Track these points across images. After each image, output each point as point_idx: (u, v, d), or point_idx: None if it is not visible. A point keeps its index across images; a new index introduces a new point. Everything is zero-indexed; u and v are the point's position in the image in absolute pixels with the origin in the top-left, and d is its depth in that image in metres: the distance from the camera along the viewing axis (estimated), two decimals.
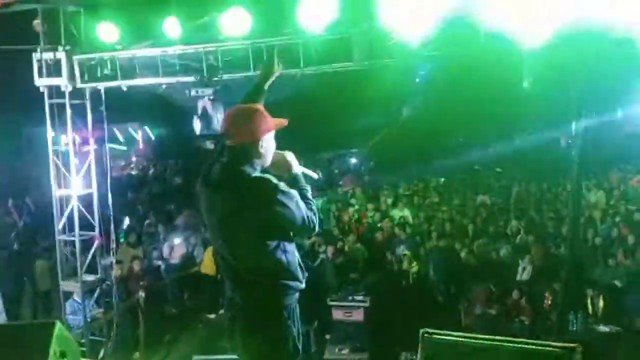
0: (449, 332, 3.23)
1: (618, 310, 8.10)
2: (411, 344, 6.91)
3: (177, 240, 10.14)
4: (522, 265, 9.53)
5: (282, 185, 2.53)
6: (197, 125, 5.75)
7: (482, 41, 4.83)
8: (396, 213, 12.47)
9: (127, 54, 6.06)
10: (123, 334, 7.89)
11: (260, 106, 2.76)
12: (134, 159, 22.04)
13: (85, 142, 6.52)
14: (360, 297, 8.07)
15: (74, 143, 6.41)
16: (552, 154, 14.20)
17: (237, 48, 5.70)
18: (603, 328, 7.84)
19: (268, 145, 2.62)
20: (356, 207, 12.81)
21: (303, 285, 2.85)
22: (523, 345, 3.01)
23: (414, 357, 7.28)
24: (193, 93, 5.69)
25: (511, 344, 3.06)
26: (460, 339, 3.16)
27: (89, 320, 6.57)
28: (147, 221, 11.30)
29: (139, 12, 5.67)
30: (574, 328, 8.00)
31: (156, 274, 9.07)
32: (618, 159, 14.39)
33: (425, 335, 3.16)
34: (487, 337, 3.13)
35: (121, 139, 21.00)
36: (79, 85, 6.24)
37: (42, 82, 6.12)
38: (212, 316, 9.66)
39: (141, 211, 12.67)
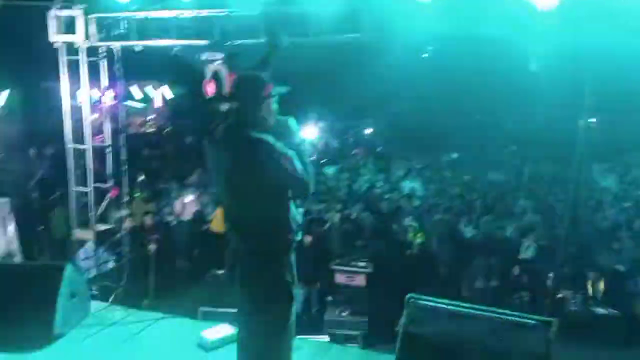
0: (433, 298, 3.40)
1: (618, 294, 8.19)
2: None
3: (189, 198, 10.38)
4: (525, 243, 9.62)
5: (279, 146, 2.73)
6: (207, 89, 5.89)
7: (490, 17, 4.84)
8: (406, 185, 12.57)
9: (142, 15, 6.17)
10: (133, 282, 8.27)
11: (263, 74, 2.95)
12: (151, 117, 22.39)
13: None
14: (363, 263, 8.27)
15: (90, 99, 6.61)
16: (568, 136, 14.03)
17: (249, 15, 5.77)
18: (601, 310, 7.96)
19: (268, 109, 2.84)
20: (366, 176, 12.92)
21: (298, 238, 3.04)
22: (501, 316, 3.17)
23: None
24: (204, 57, 5.81)
25: (491, 313, 3.22)
26: (443, 305, 3.33)
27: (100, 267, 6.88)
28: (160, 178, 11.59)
29: None
30: (573, 308, 8.15)
31: (167, 229, 9.34)
32: (634, 144, 14.23)
33: (411, 299, 3.32)
34: (469, 305, 3.29)
35: (138, 97, 21.28)
36: (94, 43, 6.38)
37: (57, 39, 6.29)
38: (220, 272, 10.01)
39: (155, 168, 12.96)
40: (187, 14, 6.06)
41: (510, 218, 10.88)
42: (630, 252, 9.01)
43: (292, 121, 2.96)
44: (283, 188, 2.82)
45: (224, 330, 4.02)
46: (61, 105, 6.48)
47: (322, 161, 16.34)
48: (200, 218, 10.24)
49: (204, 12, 6.02)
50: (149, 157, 14.58)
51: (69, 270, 4.03)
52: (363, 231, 9.69)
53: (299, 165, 2.76)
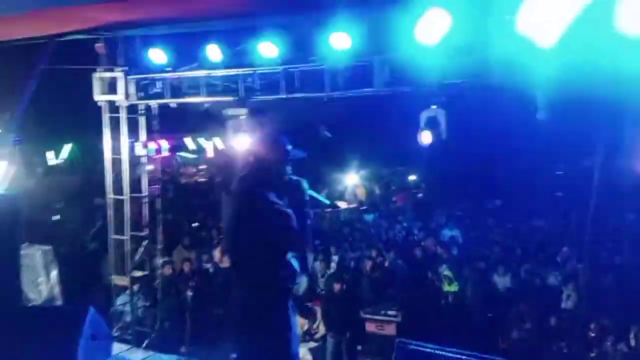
0: (423, 344, 3.46)
1: None
2: None
3: None
4: (566, 292, 9.34)
5: (281, 204, 3.05)
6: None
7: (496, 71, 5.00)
8: (446, 232, 12.50)
9: (175, 75, 6.70)
10: (169, 328, 8.58)
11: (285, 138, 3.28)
12: (203, 166, 23.39)
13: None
14: (393, 312, 8.26)
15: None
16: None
17: (271, 72, 6.17)
18: None
19: (284, 170, 3.17)
20: (404, 224, 12.94)
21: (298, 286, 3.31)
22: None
23: None
24: (230, 112, 6.22)
25: (470, 357, 3.26)
26: (432, 350, 3.38)
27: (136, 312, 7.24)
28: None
29: (185, 39, 6.27)
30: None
31: (205, 276, 9.64)
32: None
33: (400, 344, 3.40)
34: (459, 351, 3.33)
35: (192, 148, 22.35)
36: (133, 101, 6.96)
37: (100, 98, 6.91)
38: None
39: (202, 217, 13.48)
40: (215, 73, 6.50)
41: (552, 266, 10.59)
42: None
43: (304, 183, 3.22)
44: (276, 240, 3.05)
45: None
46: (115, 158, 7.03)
47: (362, 208, 16.52)
48: None
49: (232, 71, 6.45)
50: (198, 207, 15.17)
51: (90, 313, 4.34)
52: (395, 279, 9.69)
53: (293, 222, 3.00)
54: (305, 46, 5.87)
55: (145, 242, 7.17)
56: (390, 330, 8.09)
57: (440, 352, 3.31)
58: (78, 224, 11.95)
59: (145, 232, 7.19)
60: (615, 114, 5.31)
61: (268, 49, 5.89)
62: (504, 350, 8.74)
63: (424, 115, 5.57)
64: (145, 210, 7.18)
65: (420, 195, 17.00)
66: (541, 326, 8.47)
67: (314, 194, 3.15)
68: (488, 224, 13.64)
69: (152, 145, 19.81)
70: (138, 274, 7.17)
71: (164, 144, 18.50)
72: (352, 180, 19.61)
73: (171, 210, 14.85)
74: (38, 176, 15.63)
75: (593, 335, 8.23)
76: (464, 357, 3.21)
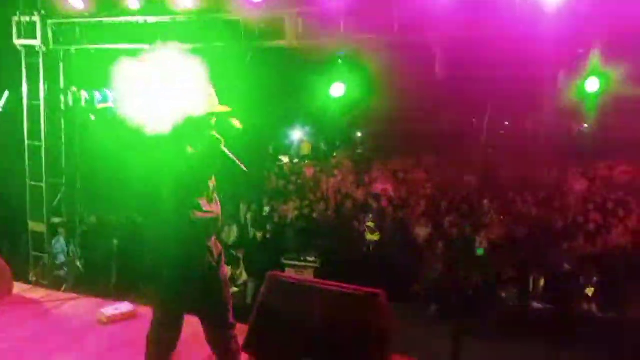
0: (291, 276, 3.81)
1: (557, 291, 8.49)
2: None
3: None
4: (478, 239, 9.99)
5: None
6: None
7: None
8: (379, 186, 12.95)
9: (94, 21, 6.66)
10: (94, 276, 8.74)
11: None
12: None
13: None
14: (312, 258, 8.68)
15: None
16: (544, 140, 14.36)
17: (188, 20, 6.24)
18: (537, 305, 8.28)
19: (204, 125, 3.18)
20: (339, 177, 13.32)
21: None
22: (340, 289, 3.57)
23: None
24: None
25: (332, 287, 3.64)
26: (297, 281, 3.74)
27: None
28: None
29: None
30: (510, 303, 8.49)
31: (132, 226, 9.76)
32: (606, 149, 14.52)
33: (271, 275, 3.73)
34: (318, 280, 3.68)
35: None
36: (52, 46, 6.90)
37: (19, 42, 6.82)
38: None
39: None
40: (134, 19, 6.51)
41: (473, 218, 11.21)
42: (578, 252, 9.32)
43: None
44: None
45: (123, 307, 4.43)
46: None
47: (304, 163, 16.84)
48: None
49: (150, 19, 6.47)
50: None
51: None
52: (324, 229, 10.09)
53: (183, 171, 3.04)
54: None
55: (63, 189, 7.22)
56: (308, 275, 8.51)
57: (304, 283, 3.66)
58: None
59: (63, 180, 7.22)
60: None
61: None
62: (416, 293, 9.40)
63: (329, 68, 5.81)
64: (63, 158, 7.21)
65: (360, 150, 17.41)
66: (451, 272, 9.08)
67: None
68: (420, 178, 14.18)
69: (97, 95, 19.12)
70: (56, 220, 7.25)
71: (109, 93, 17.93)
72: (297, 135, 19.83)
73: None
74: None
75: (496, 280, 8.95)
76: (322, 286, 3.56)
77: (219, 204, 3.40)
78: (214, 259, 3.34)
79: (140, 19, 6.49)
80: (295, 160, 17.67)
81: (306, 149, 19.52)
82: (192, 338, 3.40)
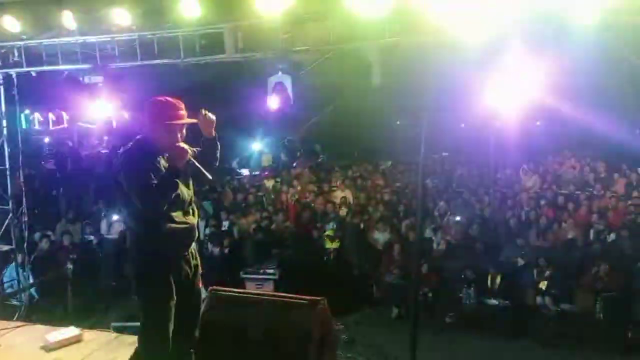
0: (232, 290, 3.82)
1: (512, 286, 8.71)
2: None
3: (116, 217, 10.68)
4: (435, 240, 10.18)
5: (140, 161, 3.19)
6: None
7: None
8: (338, 194, 13.03)
9: (34, 43, 6.57)
10: (48, 301, 8.53)
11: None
12: (105, 138, 22.61)
13: None
14: (271, 270, 8.67)
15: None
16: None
17: (128, 38, 6.21)
18: (492, 302, 8.48)
19: (167, 133, 3.27)
20: (298, 187, 13.36)
21: None
22: (281, 299, 3.61)
23: None
24: (87, 80, 6.23)
25: (274, 297, 3.67)
26: (238, 294, 3.76)
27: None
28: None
29: (39, 6, 6.14)
30: (466, 302, 8.67)
31: (87, 249, 9.60)
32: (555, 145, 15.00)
33: (212, 291, 3.74)
34: (259, 292, 3.71)
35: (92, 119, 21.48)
36: None
37: None
38: None
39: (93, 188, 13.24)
40: (74, 40, 6.45)
41: (430, 220, 11.39)
42: (530, 247, 9.58)
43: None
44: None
45: (68, 332, 4.36)
46: None
47: (264, 174, 16.82)
48: (125, 236, 10.53)
49: (90, 38, 6.42)
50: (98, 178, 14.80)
51: None
52: (283, 240, 10.11)
53: (146, 183, 3.07)
54: (159, 13, 5.95)
55: (10, 215, 7.07)
56: (268, 287, 8.51)
57: (245, 295, 3.68)
58: None
59: (9, 207, 7.06)
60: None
61: (122, 16, 5.92)
62: (379, 298, 9.50)
63: (271, 81, 5.86)
64: (7, 183, 7.06)
65: (320, 159, 17.51)
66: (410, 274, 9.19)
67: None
68: (379, 184, 14.35)
69: (51, 116, 18.60)
70: (4, 247, 7.08)
71: (64, 115, 17.47)
72: (257, 147, 19.79)
73: (65, 183, 14.49)
74: None
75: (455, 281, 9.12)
76: (263, 297, 3.59)
77: (195, 214, 3.50)
78: (190, 269, 3.47)
79: (79, 39, 6.43)
80: (255, 173, 17.64)
81: (266, 161, 19.50)
82: None
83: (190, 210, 3.46)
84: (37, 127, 23.02)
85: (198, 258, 3.63)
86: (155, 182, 3.10)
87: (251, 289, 8.60)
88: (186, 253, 3.46)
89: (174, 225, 3.29)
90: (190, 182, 3.49)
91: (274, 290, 8.46)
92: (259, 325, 3.41)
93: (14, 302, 7.28)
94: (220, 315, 3.56)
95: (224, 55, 5.91)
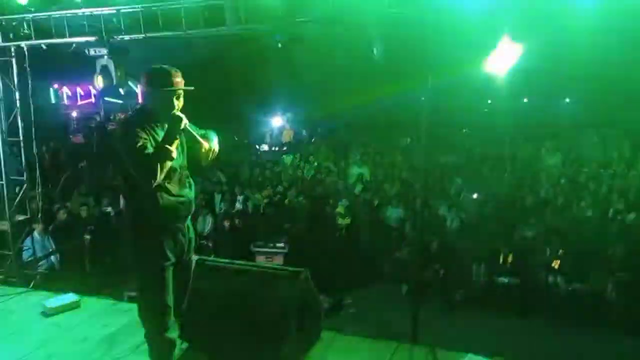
0: (218, 259, 3.86)
1: (523, 265, 8.59)
2: (323, 290, 7.61)
3: None
4: (449, 217, 10.07)
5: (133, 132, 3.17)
6: (97, 81, 6.36)
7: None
8: (355, 170, 12.98)
9: (43, 16, 6.62)
10: (66, 272, 8.78)
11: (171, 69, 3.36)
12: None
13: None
14: (281, 244, 8.73)
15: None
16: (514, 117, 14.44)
17: (132, 11, 6.22)
18: (502, 280, 8.38)
19: (164, 102, 3.26)
20: (315, 163, 13.35)
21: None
22: (266, 269, 3.63)
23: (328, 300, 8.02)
24: (92, 52, 6.27)
25: (259, 267, 3.70)
26: (224, 264, 3.80)
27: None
28: None
29: None
30: (478, 278, 8.59)
31: (104, 219, 9.79)
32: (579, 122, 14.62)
33: (200, 261, 3.78)
34: (246, 262, 3.74)
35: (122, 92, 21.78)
36: (1, 43, 6.87)
37: None
38: None
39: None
40: (81, 12, 6.48)
41: (447, 198, 11.27)
42: (545, 226, 9.40)
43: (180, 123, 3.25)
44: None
45: (67, 298, 4.48)
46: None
47: (283, 149, 16.85)
48: None
49: (96, 10, 6.44)
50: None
51: None
52: (296, 215, 10.14)
53: (142, 151, 3.06)
54: None
55: (24, 187, 7.23)
56: (277, 260, 8.59)
57: (232, 266, 3.70)
58: None
59: (24, 177, 7.22)
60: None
61: None
62: (389, 274, 9.48)
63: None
64: (22, 155, 7.21)
65: (338, 135, 17.45)
66: (422, 251, 9.14)
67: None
68: (396, 161, 14.23)
69: (79, 91, 18.86)
70: (20, 217, 7.27)
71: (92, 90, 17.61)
72: (277, 122, 19.78)
73: (91, 157, 14.76)
74: None
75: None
76: (249, 267, 3.61)
77: (192, 188, 3.50)
78: (185, 242, 3.49)
79: (86, 11, 6.45)
80: (275, 148, 17.67)
81: (287, 137, 19.49)
82: None
83: (187, 184, 3.47)
84: (65, 101, 23.59)
85: (192, 231, 3.64)
86: (151, 150, 3.10)
87: (261, 261, 8.70)
88: (181, 225, 3.47)
89: (169, 197, 3.31)
90: (184, 152, 3.48)
91: (283, 264, 8.57)
92: (242, 294, 3.45)
93: (32, 272, 7.46)
94: (206, 284, 3.61)
95: (224, 28, 5.86)
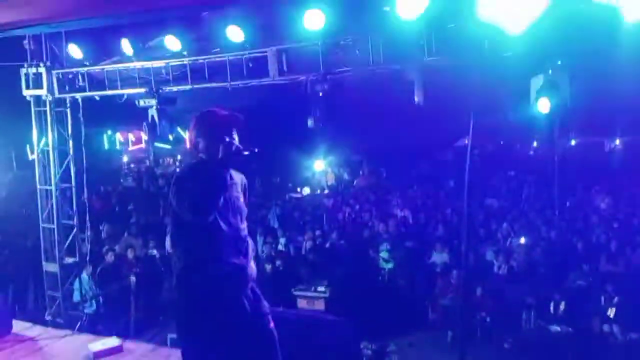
0: None
1: (577, 312, 8.21)
2: (368, 336, 7.48)
3: None
4: (497, 264, 9.79)
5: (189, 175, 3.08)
6: (145, 131, 6.65)
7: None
8: (397, 213, 12.88)
9: (97, 69, 7.03)
10: (112, 313, 8.96)
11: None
12: (179, 157, 23.85)
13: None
14: (322, 288, 8.66)
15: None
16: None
17: (180, 64, 6.52)
18: (554, 328, 8.01)
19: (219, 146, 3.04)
20: (356, 206, 13.33)
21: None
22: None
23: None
24: (142, 103, 6.57)
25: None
26: None
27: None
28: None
29: (99, 34, 6.59)
30: (528, 326, 8.25)
31: (150, 262, 9.99)
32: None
33: None
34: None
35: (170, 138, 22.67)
36: (57, 95, 7.29)
37: (28, 93, 7.25)
38: None
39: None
40: (133, 65, 6.84)
41: (493, 242, 11.01)
42: (598, 273, 9.01)
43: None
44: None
45: (109, 342, 4.56)
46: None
47: (324, 192, 16.93)
48: None
49: (146, 64, 6.79)
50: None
51: None
52: (334, 259, 10.07)
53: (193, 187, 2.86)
54: (208, 39, 6.23)
55: (74, 230, 7.52)
56: (319, 305, 8.50)
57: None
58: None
59: (74, 222, 7.52)
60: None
61: (173, 43, 6.26)
62: (434, 321, 9.23)
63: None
64: (74, 199, 7.53)
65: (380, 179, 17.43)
66: (467, 297, 8.88)
67: None
68: (440, 203, 14.04)
69: (131, 137, 19.87)
70: (69, 260, 7.53)
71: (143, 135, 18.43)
72: (319, 166, 19.97)
73: (140, 200, 15.23)
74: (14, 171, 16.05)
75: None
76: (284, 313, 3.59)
77: (249, 250, 3.27)
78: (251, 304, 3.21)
79: (137, 64, 6.80)
80: (318, 192, 17.77)
81: (330, 179, 19.59)
82: None
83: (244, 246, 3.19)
84: (118, 147, 24.65)
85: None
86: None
87: (303, 305, 8.64)
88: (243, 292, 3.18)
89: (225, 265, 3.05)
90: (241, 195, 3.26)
91: (325, 309, 8.48)
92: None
93: (79, 313, 7.67)
94: None
95: (268, 78, 6.05)
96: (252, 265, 3.28)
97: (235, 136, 3.09)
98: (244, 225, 3.22)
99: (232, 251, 3.08)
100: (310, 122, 5.72)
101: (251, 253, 3.26)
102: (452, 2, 4.90)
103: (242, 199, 3.24)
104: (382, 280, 9.67)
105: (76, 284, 8.14)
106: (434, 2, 4.68)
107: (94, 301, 8.39)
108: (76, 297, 7.99)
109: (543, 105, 5.22)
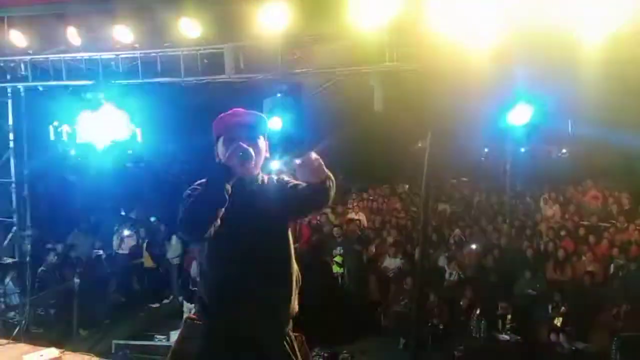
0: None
1: (524, 321, 8.33)
2: (317, 342, 7.33)
3: (127, 232, 10.68)
4: (448, 270, 9.84)
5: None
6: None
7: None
8: (352, 217, 12.79)
9: (40, 58, 6.61)
10: (54, 316, 8.50)
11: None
12: (129, 151, 23.09)
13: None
14: None
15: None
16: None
17: (131, 56, 6.20)
18: (503, 337, 8.10)
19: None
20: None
21: None
22: None
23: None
24: (88, 96, 6.22)
25: None
26: None
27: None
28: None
29: (45, 22, 6.20)
30: (478, 335, 8.30)
31: (95, 263, 9.56)
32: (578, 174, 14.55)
33: (188, 320, 3.51)
34: None
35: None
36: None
37: None
38: (155, 305, 10.30)
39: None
40: (80, 56, 6.47)
41: (445, 247, 11.06)
42: (546, 280, 9.18)
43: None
44: None
45: (47, 353, 4.24)
46: None
47: None
48: (137, 252, 10.52)
49: (94, 55, 6.43)
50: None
51: None
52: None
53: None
54: (160, 32, 5.94)
55: (14, 228, 7.08)
56: None
57: None
58: None
59: (14, 219, 7.08)
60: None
61: (123, 34, 5.93)
62: (386, 327, 9.18)
63: (267, 103, 5.76)
64: (13, 196, 7.09)
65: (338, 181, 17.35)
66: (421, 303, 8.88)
67: None
68: (395, 208, 14.07)
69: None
70: (7, 260, 7.08)
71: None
72: (275, 166, 19.67)
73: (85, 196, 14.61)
74: None
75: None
76: None
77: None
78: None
79: (84, 55, 6.44)
80: None
81: None
82: None
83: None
84: (65, 139, 23.66)
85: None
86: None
87: None
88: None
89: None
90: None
91: None
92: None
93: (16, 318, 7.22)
94: (192, 347, 3.36)
95: (224, 76, 5.83)
96: None
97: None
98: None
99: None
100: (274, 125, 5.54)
101: None
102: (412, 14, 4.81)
103: None
104: (335, 285, 9.56)
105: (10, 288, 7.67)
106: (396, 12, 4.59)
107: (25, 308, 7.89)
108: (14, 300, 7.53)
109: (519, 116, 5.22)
